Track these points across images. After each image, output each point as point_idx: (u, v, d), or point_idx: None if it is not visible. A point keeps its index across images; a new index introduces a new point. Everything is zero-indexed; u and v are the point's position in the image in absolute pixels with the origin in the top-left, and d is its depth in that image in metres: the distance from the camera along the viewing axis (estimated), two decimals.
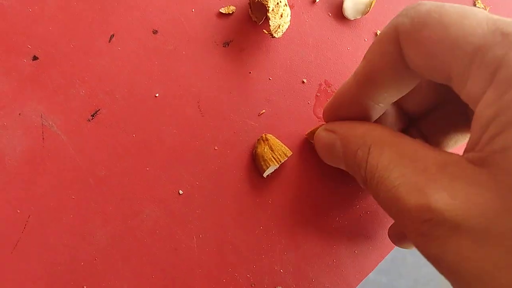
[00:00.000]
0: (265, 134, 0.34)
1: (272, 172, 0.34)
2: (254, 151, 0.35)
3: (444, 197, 0.21)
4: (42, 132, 0.32)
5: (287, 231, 0.34)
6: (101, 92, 0.33)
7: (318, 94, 0.36)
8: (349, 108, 0.29)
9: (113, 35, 0.33)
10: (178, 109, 0.34)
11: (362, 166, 0.27)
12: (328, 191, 0.35)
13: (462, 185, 0.21)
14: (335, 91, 0.35)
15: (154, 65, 0.34)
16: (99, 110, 0.33)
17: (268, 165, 0.34)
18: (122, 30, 0.34)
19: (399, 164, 0.24)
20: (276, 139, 0.34)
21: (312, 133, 0.33)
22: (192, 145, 0.34)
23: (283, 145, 0.34)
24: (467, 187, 0.21)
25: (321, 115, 0.35)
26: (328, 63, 0.36)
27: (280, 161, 0.34)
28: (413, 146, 0.25)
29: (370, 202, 0.35)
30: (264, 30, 0.33)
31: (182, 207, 0.33)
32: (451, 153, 0.23)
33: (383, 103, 0.28)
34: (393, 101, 0.29)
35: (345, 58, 0.36)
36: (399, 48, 0.25)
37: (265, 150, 0.34)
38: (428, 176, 0.23)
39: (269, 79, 0.35)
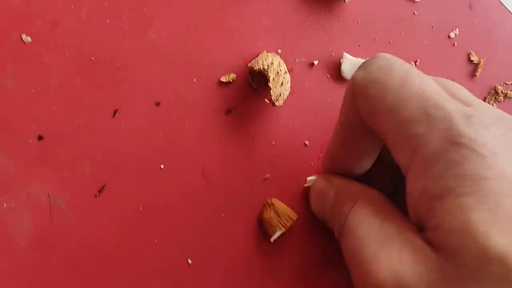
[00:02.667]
0: (270, 199, 0.33)
1: (279, 236, 0.33)
2: (260, 216, 0.33)
3: (392, 264, 0.21)
4: (50, 211, 0.31)
5: None
6: (106, 168, 0.31)
7: (321, 155, 0.34)
8: (338, 161, 0.29)
9: (117, 110, 0.32)
10: (184, 179, 0.32)
11: (344, 215, 0.26)
12: (335, 252, 0.33)
13: (409, 254, 0.21)
14: None
15: (158, 137, 0.32)
16: (105, 185, 0.31)
17: (274, 231, 0.32)
18: (125, 105, 0.32)
19: (369, 221, 0.24)
20: (281, 203, 0.33)
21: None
22: (199, 214, 0.32)
23: (289, 209, 0.32)
24: (413, 255, 0.21)
25: None
26: (329, 124, 0.34)
27: (287, 226, 0.32)
28: (389, 212, 0.25)
29: None
30: (265, 99, 0.32)
31: (192, 277, 0.31)
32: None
33: (367, 154, 0.28)
34: (377, 152, 0.28)
35: None
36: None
37: (271, 215, 0.32)
38: (387, 238, 0.23)
39: (272, 143, 0.33)
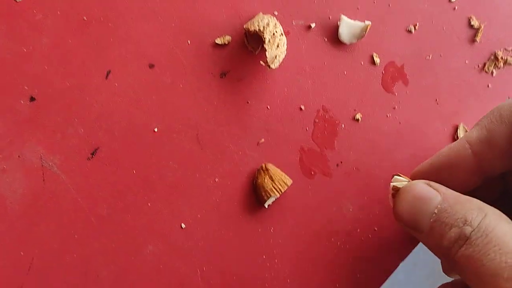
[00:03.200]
0: (265, 164, 0.32)
1: (273, 201, 0.32)
2: (254, 181, 0.32)
3: None
4: (43, 173, 0.30)
5: (289, 259, 0.32)
6: (100, 130, 0.31)
7: (316, 120, 0.33)
8: (454, 173, 0.27)
9: (110, 71, 0.31)
10: (177, 142, 0.32)
11: (469, 224, 0.24)
12: (329, 217, 0.33)
13: None
14: (333, 116, 0.33)
15: (152, 100, 0.31)
16: (98, 148, 0.31)
17: (269, 196, 0.31)
18: (119, 66, 0.31)
19: None
20: (276, 168, 0.32)
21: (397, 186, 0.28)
22: (193, 178, 0.32)
23: (283, 174, 0.32)
24: None
25: (320, 142, 0.33)
26: (325, 89, 0.33)
27: (281, 191, 0.32)
28: None
29: (371, 225, 0.34)
30: (261, 61, 0.31)
31: (185, 241, 0.31)
32: None
33: (492, 173, 0.27)
34: (503, 171, 0.27)
35: (342, 83, 0.33)
36: None
37: (266, 180, 0.32)
38: None
39: (267, 108, 0.33)
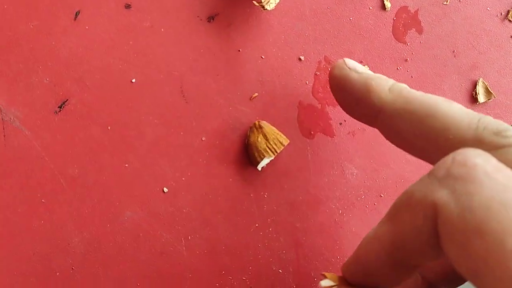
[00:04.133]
0: (258, 121, 0.29)
1: (268, 163, 0.30)
2: (246, 140, 0.29)
3: None
4: (3, 128, 0.27)
5: (285, 228, 0.30)
6: (68, 79, 0.27)
7: (318, 72, 0.30)
8: (374, 272, 0.23)
9: (79, 12, 0.27)
10: (159, 95, 0.28)
11: None
12: (330, 182, 0.30)
13: None
14: None
15: (129, 46, 0.28)
16: (67, 100, 0.27)
17: (262, 157, 0.28)
18: (89, 5, 0.27)
19: None
20: (271, 126, 0.29)
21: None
22: (176, 136, 0.28)
23: (279, 133, 0.29)
24: None
25: (321, 97, 0.30)
26: (328, 37, 0.30)
27: (276, 152, 0.28)
28: None
29: (377, 191, 0.31)
30: (254, 1, 0.28)
31: (168, 207, 0.28)
32: None
33: (410, 271, 0.23)
34: (422, 266, 0.23)
35: (347, 31, 0.30)
36: (435, 228, 0.18)
37: (259, 139, 0.29)
38: None
39: (261, 57, 0.29)
